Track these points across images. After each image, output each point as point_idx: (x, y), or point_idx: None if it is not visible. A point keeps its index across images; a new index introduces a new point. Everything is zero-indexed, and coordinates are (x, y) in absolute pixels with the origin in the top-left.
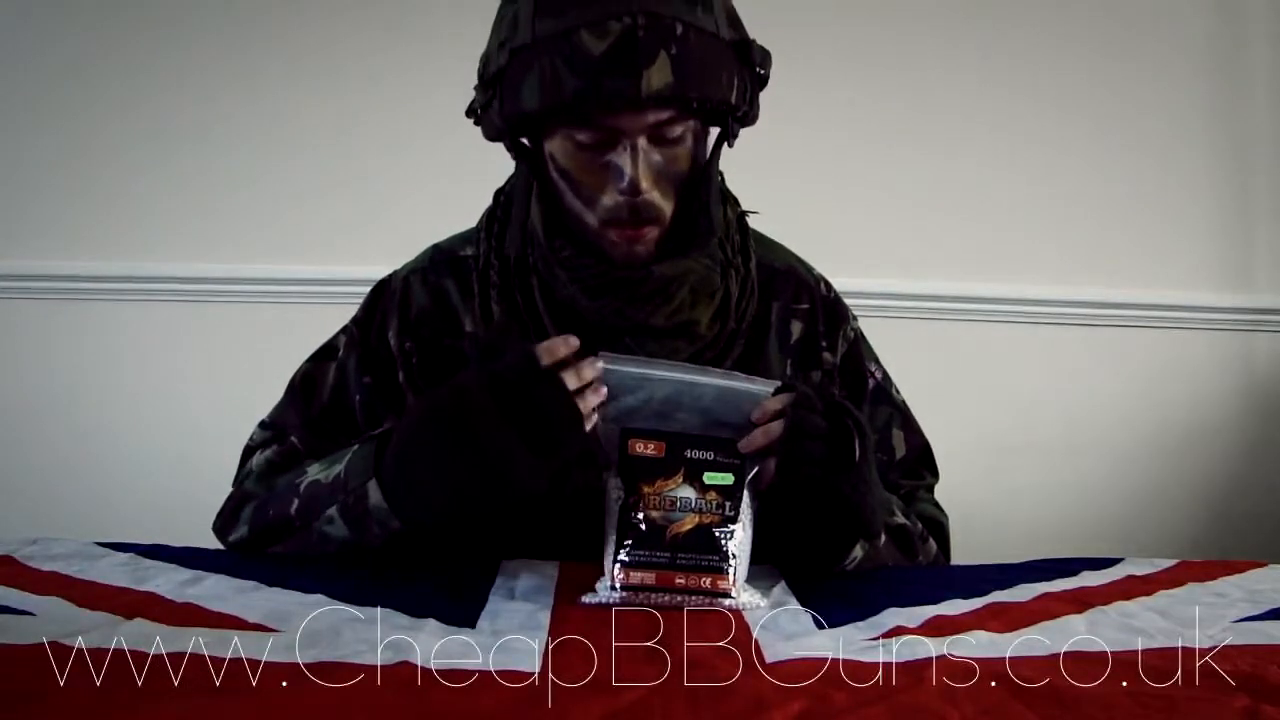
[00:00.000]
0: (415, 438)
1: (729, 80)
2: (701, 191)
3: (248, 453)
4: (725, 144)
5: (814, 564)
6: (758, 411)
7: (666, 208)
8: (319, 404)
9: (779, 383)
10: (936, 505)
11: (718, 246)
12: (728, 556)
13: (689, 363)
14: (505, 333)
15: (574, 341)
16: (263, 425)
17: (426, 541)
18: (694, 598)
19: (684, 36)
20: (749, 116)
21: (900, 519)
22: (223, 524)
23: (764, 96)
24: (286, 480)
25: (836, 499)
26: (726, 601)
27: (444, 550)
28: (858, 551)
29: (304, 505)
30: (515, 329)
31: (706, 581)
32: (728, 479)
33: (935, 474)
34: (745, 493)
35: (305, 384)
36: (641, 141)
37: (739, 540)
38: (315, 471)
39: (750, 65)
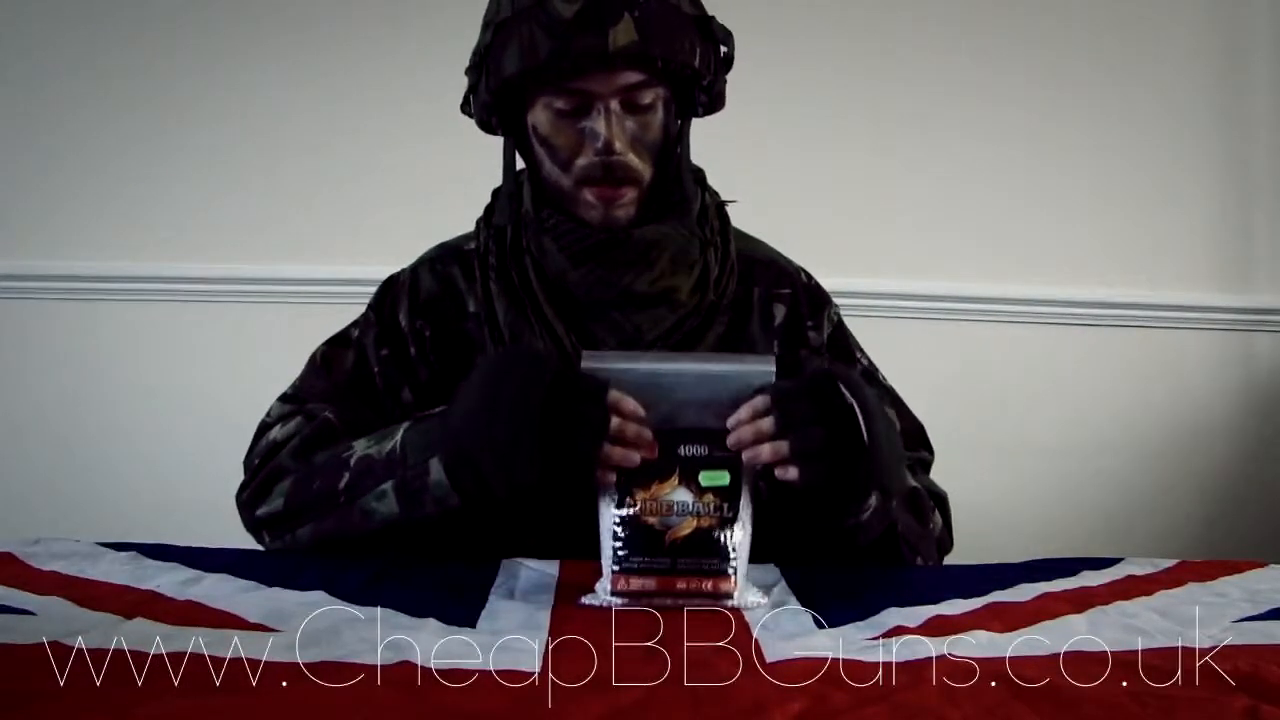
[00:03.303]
0: (467, 389)
1: (691, 47)
2: (673, 162)
3: (264, 428)
4: (693, 115)
5: (827, 521)
6: (741, 410)
7: (644, 170)
8: (342, 375)
9: (772, 359)
10: (933, 482)
11: (696, 224)
12: (729, 558)
13: (674, 331)
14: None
15: (641, 413)
16: (283, 399)
17: (475, 523)
18: (696, 600)
19: (646, 2)
20: (714, 92)
21: (913, 482)
22: (251, 496)
23: (764, 96)
24: (329, 455)
25: (850, 485)
26: (729, 603)
27: (444, 550)
28: (872, 500)
29: (354, 479)
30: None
31: (708, 585)
32: (724, 479)
33: (931, 452)
34: (744, 491)
35: (325, 361)
36: (614, 105)
37: (739, 540)
38: (364, 447)
39: (713, 40)
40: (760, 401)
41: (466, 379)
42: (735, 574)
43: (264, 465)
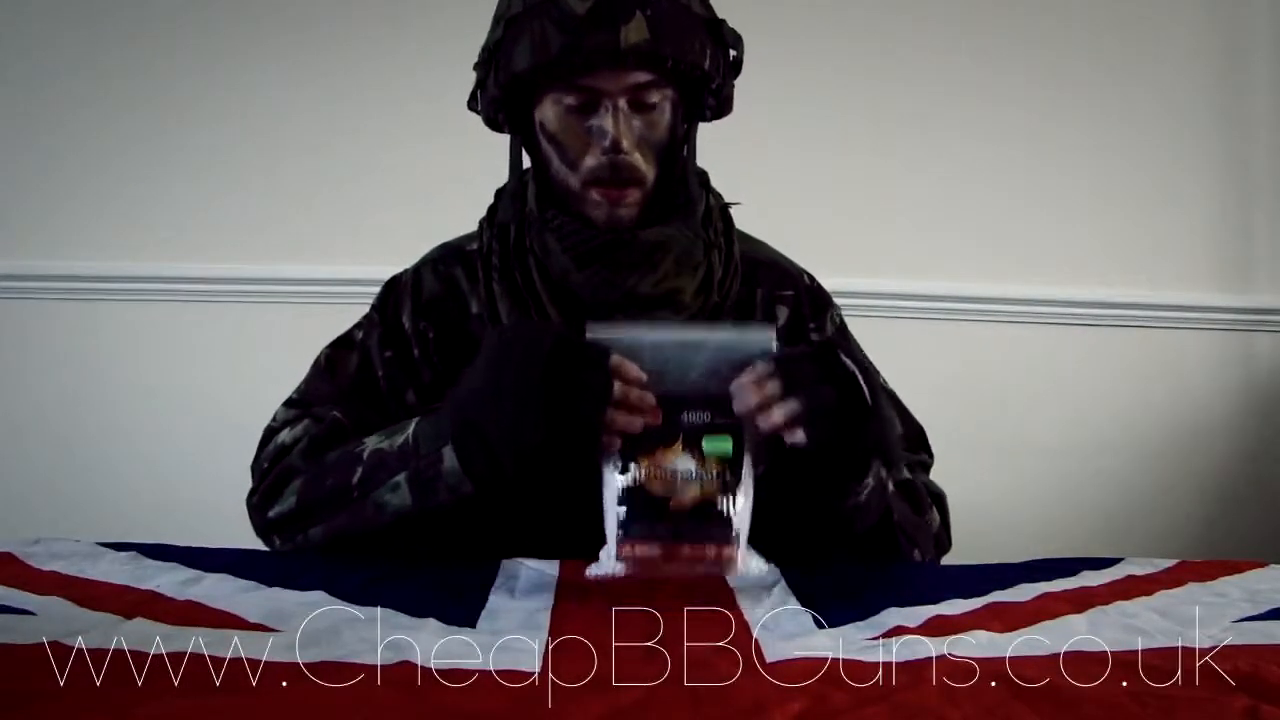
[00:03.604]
0: (472, 368)
1: (701, 48)
2: (679, 164)
3: (270, 432)
4: (700, 119)
5: (827, 495)
6: (745, 376)
7: (648, 171)
8: (346, 378)
9: (772, 327)
10: (934, 483)
11: (701, 225)
12: (732, 525)
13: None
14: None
15: (643, 378)
16: (288, 404)
17: (485, 513)
18: (700, 567)
19: (658, 1)
20: (722, 96)
21: (908, 475)
22: (262, 498)
23: (765, 97)
24: (342, 452)
25: (856, 444)
26: (733, 568)
27: (444, 550)
28: (870, 480)
29: (367, 473)
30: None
31: (712, 551)
32: (726, 445)
33: (931, 455)
34: (746, 458)
35: (330, 364)
36: (623, 104)
37: (741, 507)
38: (375, 442)
39: (722, 43)
40: (763, 367)
41: (471, 362)
42: (738, 540)
43: (274, 467)
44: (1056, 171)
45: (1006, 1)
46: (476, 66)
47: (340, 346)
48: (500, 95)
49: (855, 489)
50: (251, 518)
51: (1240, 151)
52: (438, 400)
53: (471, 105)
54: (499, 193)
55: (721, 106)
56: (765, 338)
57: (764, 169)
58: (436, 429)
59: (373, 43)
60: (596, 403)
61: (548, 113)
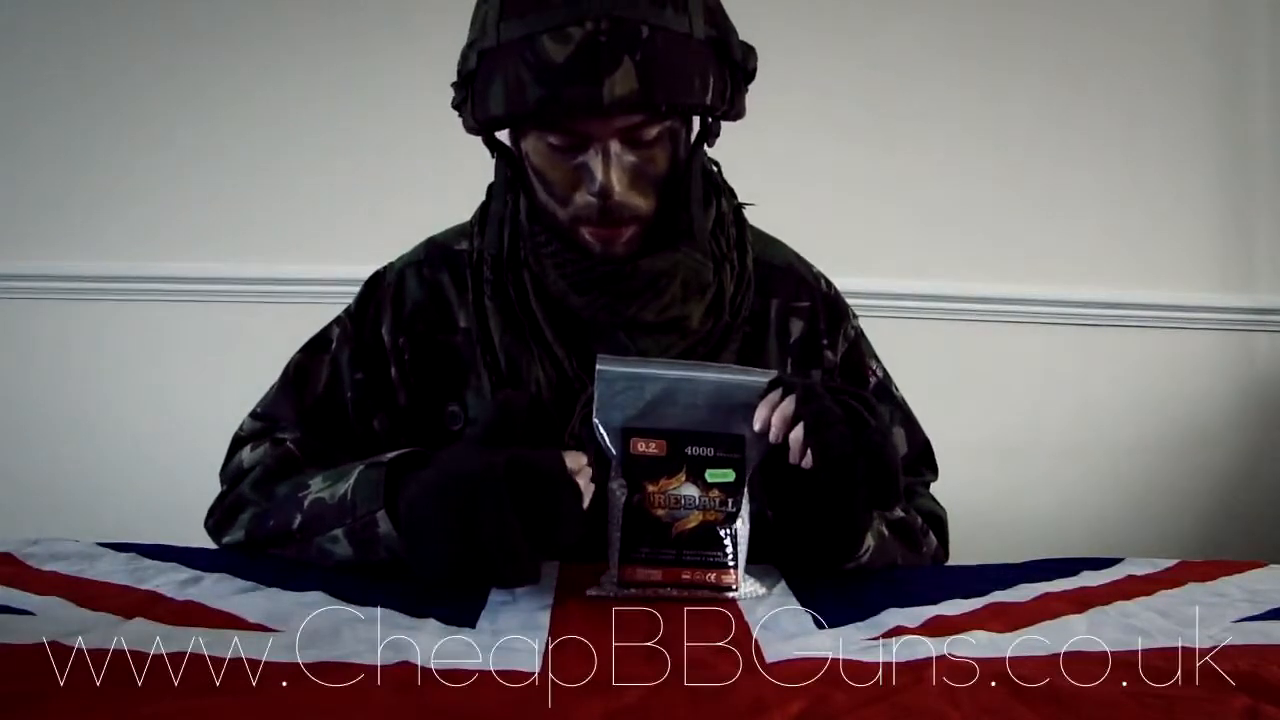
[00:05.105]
0: (430, 503)
1: (703, 82)
2: (682, 189)
3: (237, 442)
4: (706, 142)
5: (831, 549)
6: (762, 408)
7: (645, 206)
8: (312, 396)
9: (775, 373)
10: (934, 500)
11: (711, 239)
12: (731, 552)
13: (683, 359)
14: (513, 409)
15: (584, 459)
16: (254, 415)
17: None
18: (700, 592)
19: (650, 40)
20: (732, 112)
21: (899, 513)
22: (216, 524)
23: (764, 95)
24: (287, 490)
25: (872, 455)
26: (730, 594)
27: None
28: (870, 541)
29: (307, 521)
30: (527, 399)
31: (712, 577)
32: (729, 475)
33: (935, 471)
34: (745, 489)
35: (299, 375)
36: (614, 145)
37: (740, 535)
38: (318, 488)
39: (730, 62)
40: (775, 395)
41: (418, 500)
42: (737, 568)
43: (230, 492)
44: (1057, 171)
45: (1008, 1)
46: (453, 85)
47: (313, 352)
48: (479, 127)
49: (856, 555)
50: (209, 535)
51: (1241, 151)
52: (411, 423)
53: (455, 107)
54: (491, 188)
55: (729, 117)
56: (765, 383)
57: (764, 168)
58: (373, 491)
59: (375, 40)
60: (572, 519)
61: (531, 146)
